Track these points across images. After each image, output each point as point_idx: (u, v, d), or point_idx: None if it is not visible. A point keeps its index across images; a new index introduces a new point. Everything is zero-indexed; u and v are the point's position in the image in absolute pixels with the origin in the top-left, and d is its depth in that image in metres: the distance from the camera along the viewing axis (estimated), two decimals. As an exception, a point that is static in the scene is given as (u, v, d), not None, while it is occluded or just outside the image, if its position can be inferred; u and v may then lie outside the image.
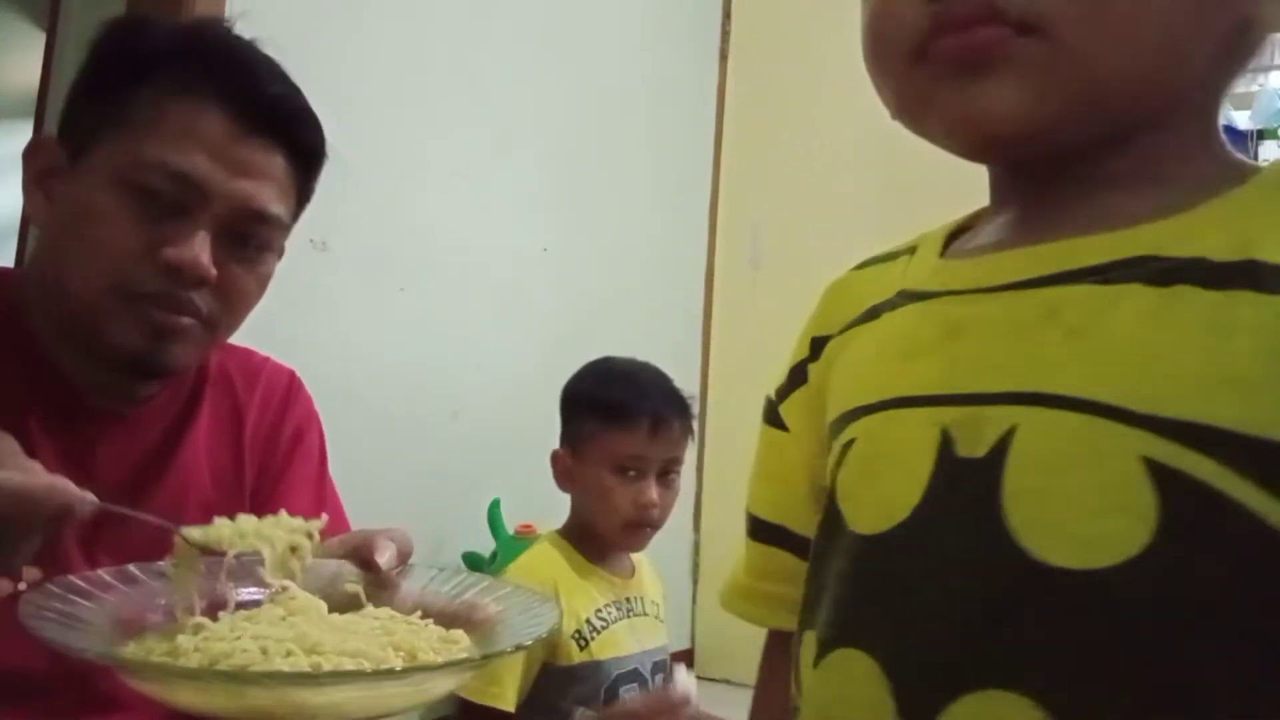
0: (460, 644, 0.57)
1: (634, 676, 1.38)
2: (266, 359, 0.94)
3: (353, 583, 0.64)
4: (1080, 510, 0.37)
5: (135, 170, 0.73)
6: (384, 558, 0.64)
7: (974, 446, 0.40)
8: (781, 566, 0.55)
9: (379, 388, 1.75)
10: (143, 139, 0.73)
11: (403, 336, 1.84)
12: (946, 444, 0.41)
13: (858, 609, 0.43)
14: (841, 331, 0.52)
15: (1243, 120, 2.15)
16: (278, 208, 0.79)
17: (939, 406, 0.42)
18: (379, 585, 0.64)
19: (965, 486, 0.39)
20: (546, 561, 1.39)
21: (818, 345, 0.54)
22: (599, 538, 1.41)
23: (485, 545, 1.89)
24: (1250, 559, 0.34)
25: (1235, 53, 0.44)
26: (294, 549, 0.62)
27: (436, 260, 1.91)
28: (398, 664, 0.53)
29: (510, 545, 1.84)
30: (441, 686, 0.53)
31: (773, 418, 0.58)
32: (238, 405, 0.88)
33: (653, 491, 1.37)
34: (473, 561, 1.90)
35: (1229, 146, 0.45)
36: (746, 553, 0.59)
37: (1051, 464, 0.38)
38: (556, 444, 1.50)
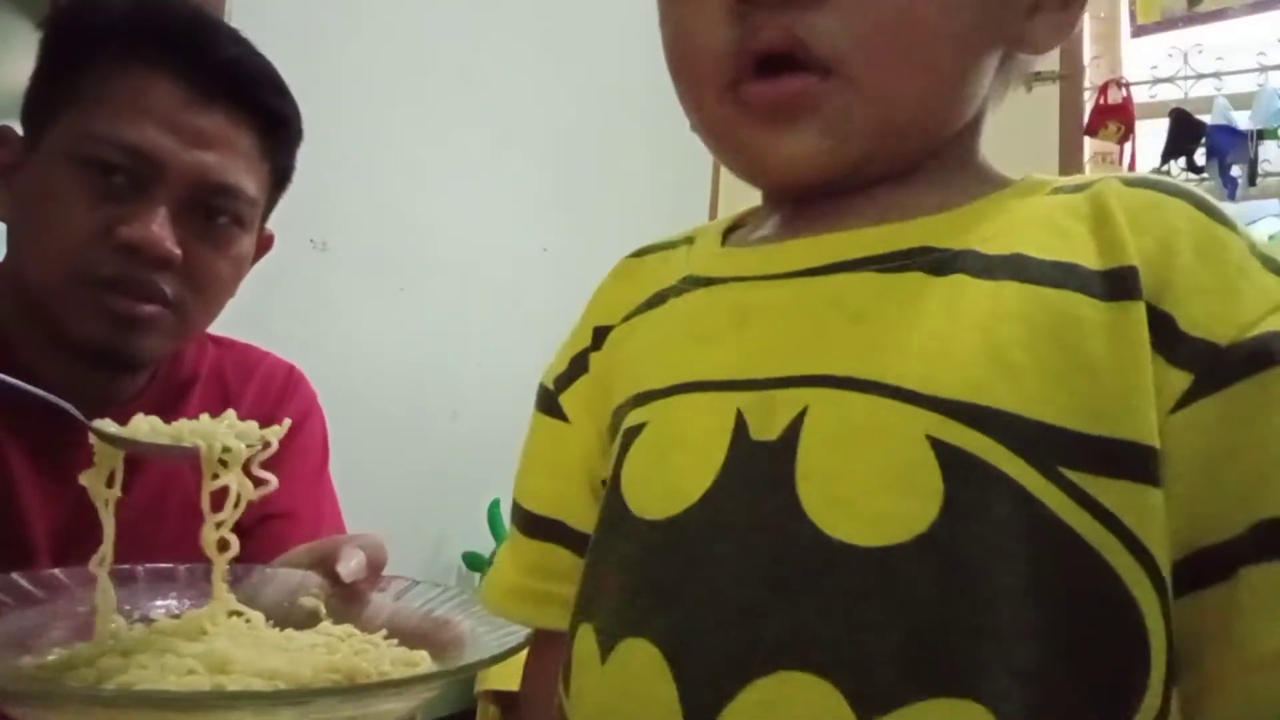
0: (420, 666, 0.51)
1: None
2: (267, 355, 0.91)
3: (313, 596, 0.58)
4: (870, 489, 0.37)
5: (86, 146, 0.68)
6: (347, 568, 0.59)
7: (768, 429, 0.40)
8: (557, 563, 0.52)
9: (379, 387, 1.75)
10: (93, 114, 0.69)
11: (403, 336, 1.84)
12: (741, 427, 0.41)
13: (644, 596, 0.41)
14: (625, 319, 0.51)
15: (1243, 120, 2.15)
16: (244, 179, 0.74)
17: (732, 391, 0.42)
18: (346, 598, 0.59)
19: (760, 467, 0.39)
20: None
21: (600, 334, 0.53)
22: None
23: (485, 545, 1.89)
24: (1020, 533, 0.35)
25: (1006, 72, 0.47)
26: (226, 451, 0.55)
27: (436, 260, 1.91)
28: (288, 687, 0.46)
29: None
30: (354, 712, 0.45)
31: (550, 407, 0.56)
32: (228, 401, 0.83)
33: None
34: (473, 561, 1.89)
35: (987, 161, 0.49)
36: (514, 550, 0.56)
37: (842, 444, 0.38)
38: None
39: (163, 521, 0.77)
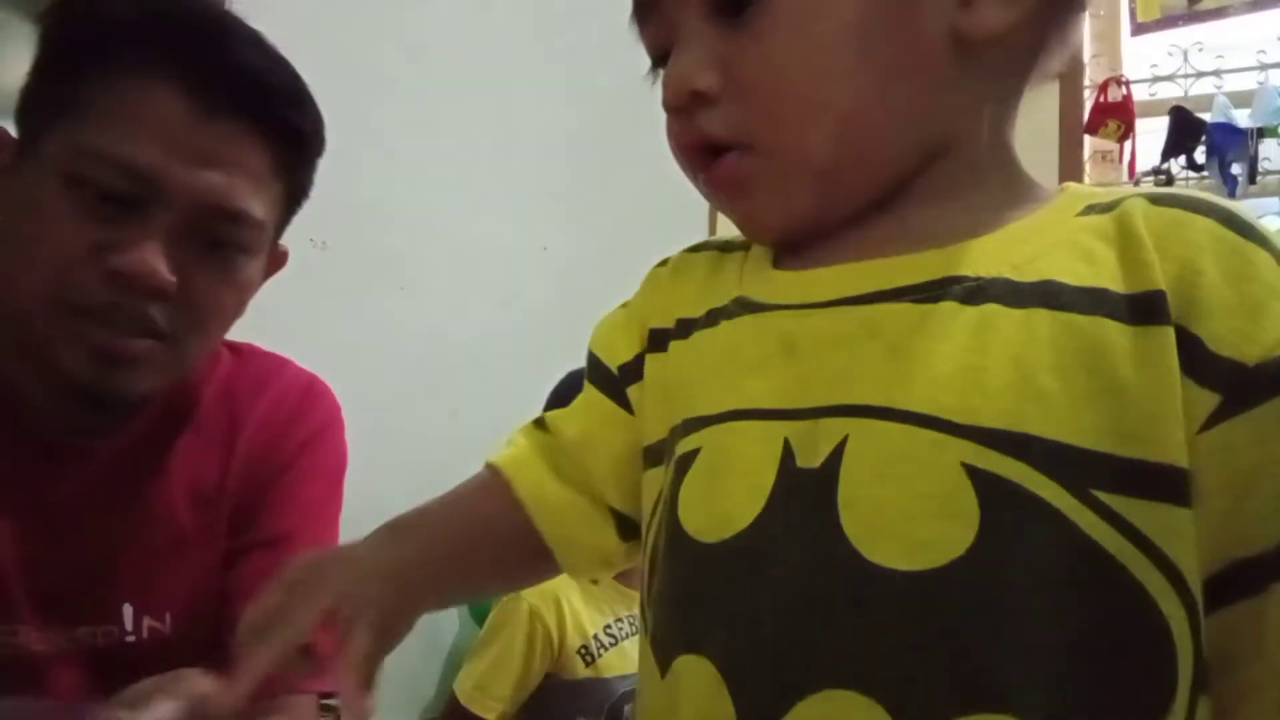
0: None
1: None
2: (288, 365, 0.85)
3: None
4: (909, 515, 0.39)
5: (79, 162, 0.62)
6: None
7: (811, 457, 0.42)
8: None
9: (378, 387, 1.75)
10: (90, 126, 0.62)
11: (402, 336, 1.84)
12: (788, 455, 0.43)
13: (698, 616, 0.44)
14: (683, 331, 0.54)
15: (1243, 118, 2.15)
16: (252, 204, 0.67)
17: (780, 420, 0.44)
18: None
19: (804, 494, 0.42)
20: None
21: (657, 338, 0.56)
22: None
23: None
24: (1053, 555, 0.37)
25: (989, 67, 0.45)
26: None
27: (436, 260, 1.91)
28: None
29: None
30: None
31: (614, 391, 0.59)
32: (235, 418, 0.78)
33: None
34: (473, 561, 1.89)
35: (1019, 165, 0.48)
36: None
37: (881, 472, 0.40)
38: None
39: (144, 554, 0.73)
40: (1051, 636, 0.36)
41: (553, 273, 2.22)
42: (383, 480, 1.81)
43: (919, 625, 0.37)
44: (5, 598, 0.67)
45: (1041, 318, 0.40)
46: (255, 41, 0.68)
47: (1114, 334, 0.39)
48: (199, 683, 0.48)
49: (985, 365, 0.40)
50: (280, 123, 0.68)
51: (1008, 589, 0.37)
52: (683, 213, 2.75)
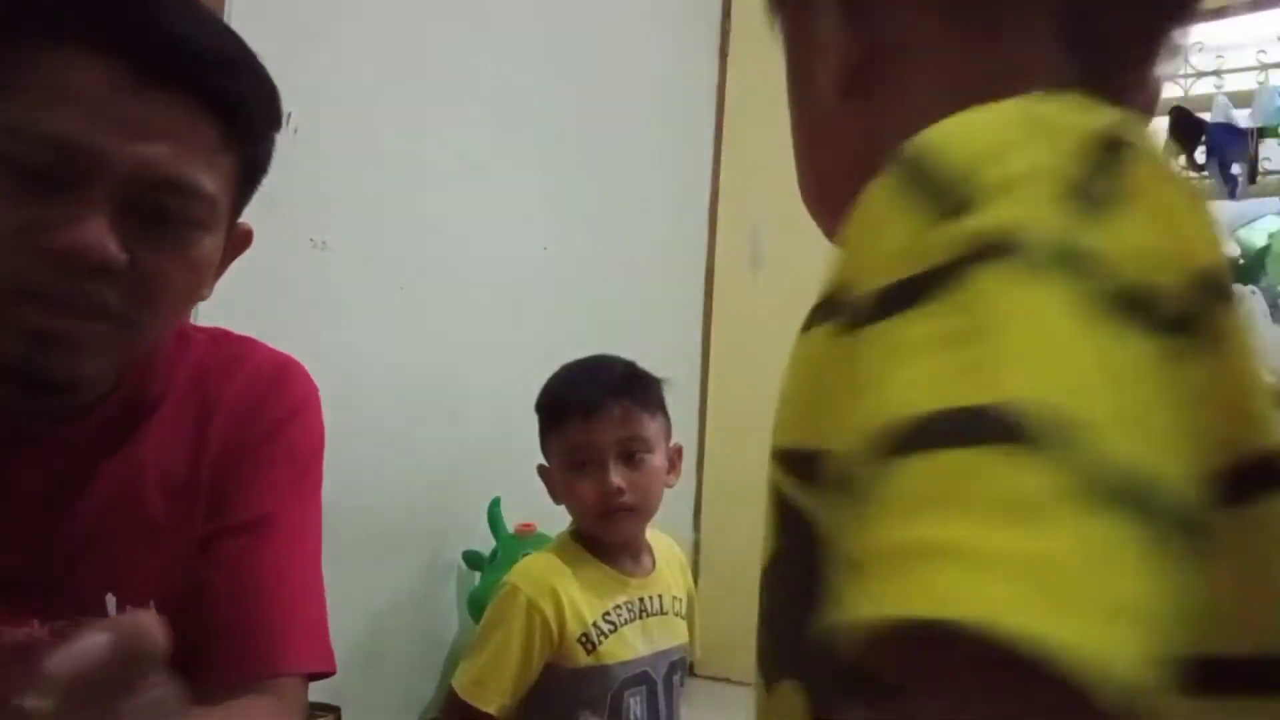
0: None
1: (642, 680, 1.38)
2: (261, 348, 0.83)
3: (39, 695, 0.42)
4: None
5: (3, 140, 0.59)
6: (53, 660, 0.41)
7: None
8: None
9: (378, 387, 1.75)
10: (10, 104, 0.59)
11: (402, 336, 1.84)
12: None
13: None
14: None
15: (1243, 118, 2.15)
16: (199, 176, 0.63)
17: None
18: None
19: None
20: (545, 565, 1.38)
21: None
22: (594, 536, 1.41)
23: (485, 544, 1.89)
24: (809, 550, 0.37)
25: (867, 94, 0.49)
26: None
27: (436, 259, 1.91)
28: None
29: (511, 544, 1.84)
30: None
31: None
32: (208, 401, 0.76)
33: (614, 477, 1.35)
34: (473, 560, 1.89)
35: None
36: None
37: None
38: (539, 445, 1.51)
39: (113, 544, 0.72)
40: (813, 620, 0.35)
41: (552, 273, 2.23)
42: (382, 480, 1.81)
43: (765, 617, 0.45)
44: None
45: (801, 338, 0.42)
46: (186, 7, 0.64)
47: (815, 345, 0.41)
48: (139, 618, 0.45)
49: (783, 389, 0.44)
50: (219, 92, 0.64)
51: (788, 581, 0.42)
52: (683, 213, 2.76)
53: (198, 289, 0.69)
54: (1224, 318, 0.31)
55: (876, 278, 0.32)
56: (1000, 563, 0.24)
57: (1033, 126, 0.33)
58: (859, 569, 0.27)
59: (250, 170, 0.71)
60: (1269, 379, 0.33)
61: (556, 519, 1.83)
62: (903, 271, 0.30)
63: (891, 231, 0.33)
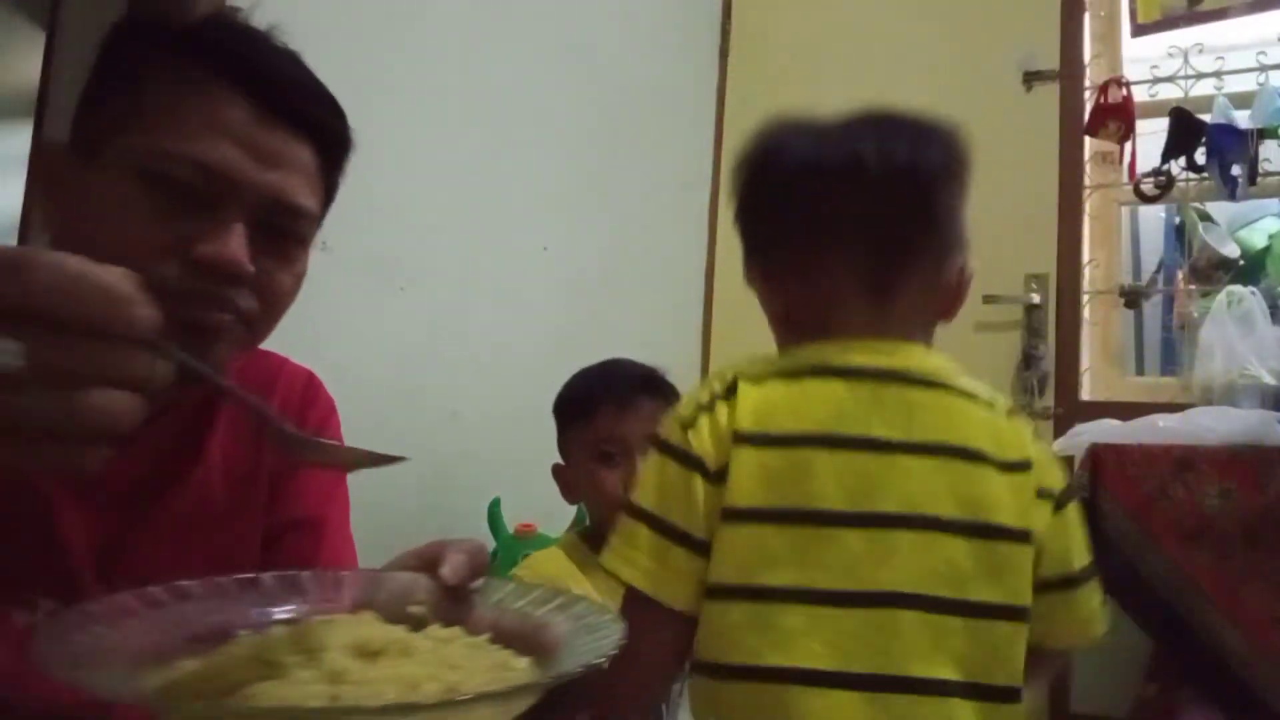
0: (515, 670, 0.52)
1: None
2: (285, 360, 0.91)
3: (419, 603, 0.58)
4: None
5: (157, 162, 0.68)
6: (447, 569, 0.60)
7: None
8: None
9: (379, 387, 1.75)
10: (162, 131, 0.69)
11: (403, 336, 1.84)
12: None
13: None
14: None
15: (1243, 120, 2.15)
16: (308, 199, 0.75)
17: None
18: (453, 601, 0.60)
19: None
20: (550, 561, 1.38)
21: None
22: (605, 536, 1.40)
23: (486, 544, 1.88)
24: None
25: None
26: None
27: (437, 259, 1.91)
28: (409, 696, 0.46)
29: (510, 544, 1.84)
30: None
31: None
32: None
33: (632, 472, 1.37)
34: (473, 561, 1.89)
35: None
36: None
37: None
38: (557, 444, 1.50)
39: (190, 529, 0.78)
40: None
41: (553, 272, 2.23)
42: (384, 481, 1.80)
43: None
44: (78, 581, 0.71)
45: None
46: (297, 58, 0.76)
47: None
48: (464, 544, 0.63)
49: None
50: (324, 128, 0.77)
51: None
52: (683, 213, 2.76)
53: (294, 297, 0.79)
54: (738, 459, 0.82)
55: None
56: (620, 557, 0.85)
57: (711, 383, 0.89)
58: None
59: (332, 194, 0.82)
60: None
61: (556, 520, 1.83)
62: None
63: None
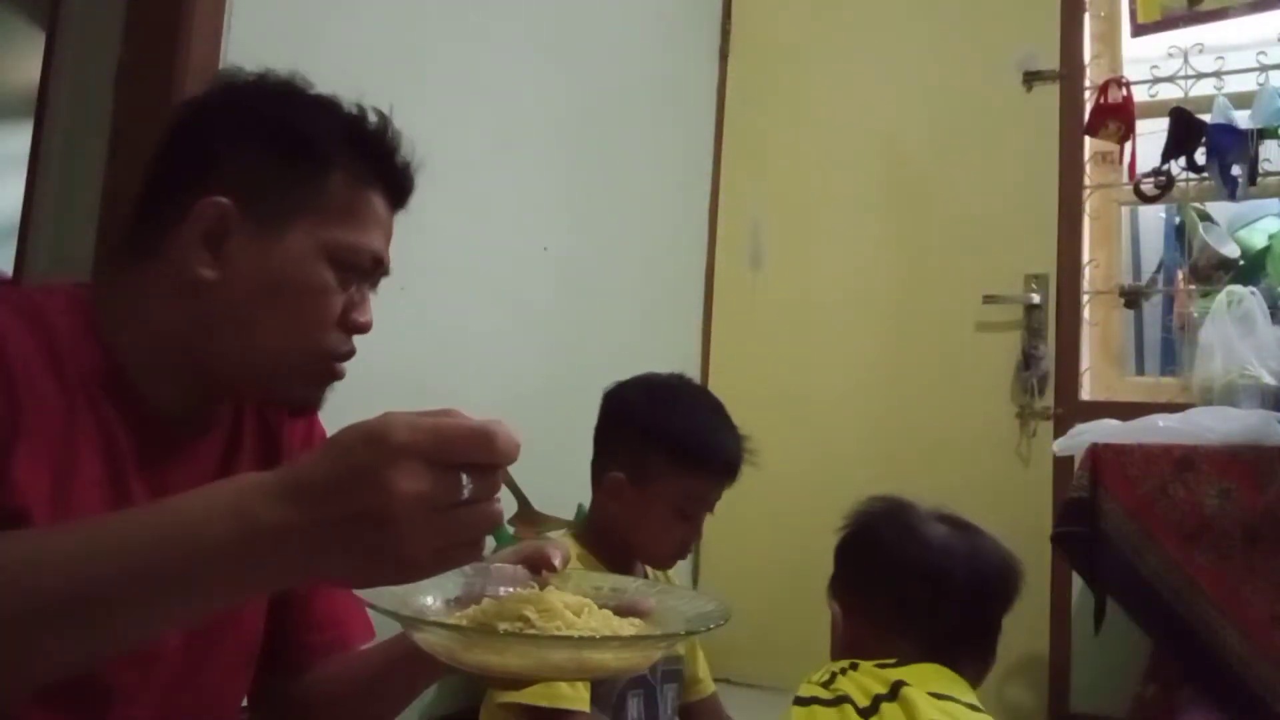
0: (640, 629, 0.69)
1: (640, 683, 1.38)
2: None
3: (525, 587, 0.73)
4: None
5: (351, 254, 0.85)
6: (556, 560, 0.74)
7: None
8: None
9: (379, 387, 1.74)
10: (350, 226, 0.85)
11: (403, 336, 1.84)
12: None
13: None
14: None
15: (1243, 120, 2.15)
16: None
17: None
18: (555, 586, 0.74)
19: None
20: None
21: None
22: (628, 554, 1.39)
23: (485, 544, 1.88)
24: None
25: None
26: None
27: (437, 259, 1.91)
28: (656, 632, 0.68)
29: (510, 544, 1.83)
30: (654, 655, 0.71)
31: None
32: (270, 427, 0.94)
33: (700, 529, 1.38)
34: (473, 561, 1.89)
35: None
36: None
37: None
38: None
39: None
40: None
41: (553, 272, 2.23)
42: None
43: None
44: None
45: None
46: (410, 152, 0.90)
47: None
48: (552, 541, 0.76)
49: None
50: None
51: None
52: (683, 213, 2.76)
53: None
54: None
55: None
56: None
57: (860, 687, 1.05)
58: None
59: None
60: None
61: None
62: None
63: None
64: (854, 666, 1.07)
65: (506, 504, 0.67)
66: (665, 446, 1.35)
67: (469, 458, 0.53)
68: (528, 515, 0.76)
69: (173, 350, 0.82)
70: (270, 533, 0.51)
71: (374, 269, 0.88)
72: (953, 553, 1.16)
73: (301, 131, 0.84)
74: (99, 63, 1.50)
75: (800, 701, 1.04)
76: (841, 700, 1.01)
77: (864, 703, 1.01)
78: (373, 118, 0.89)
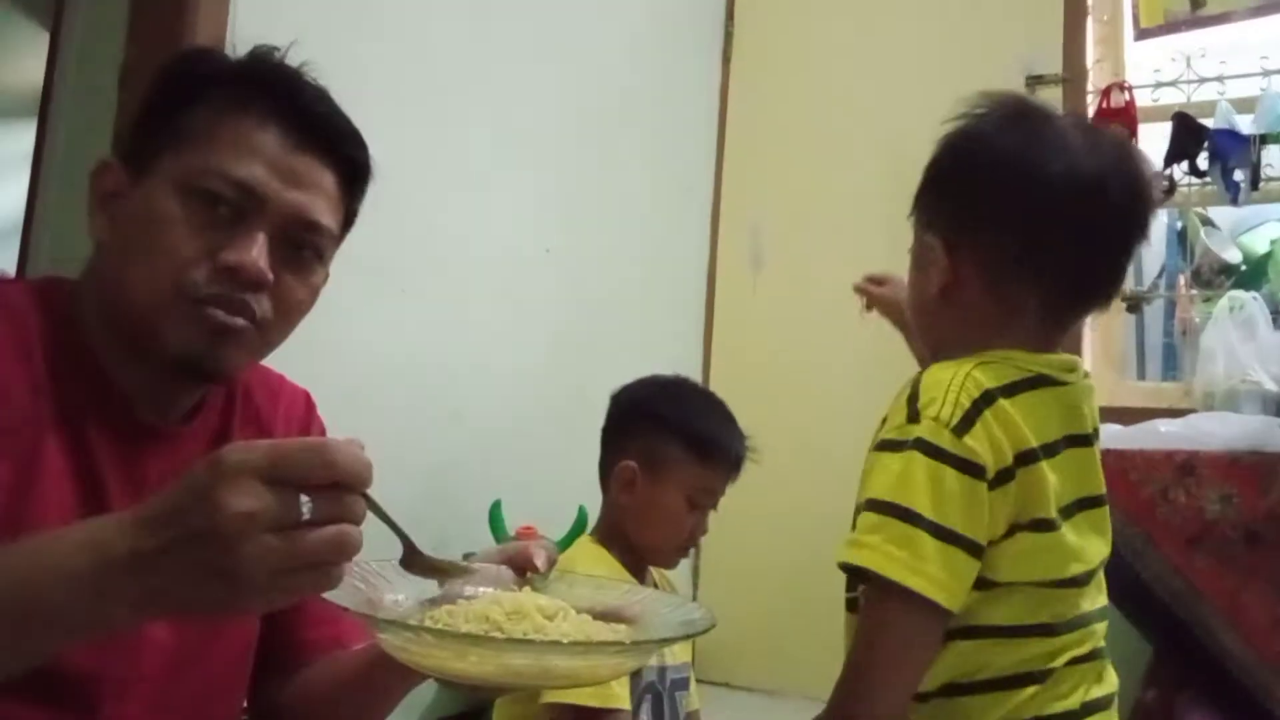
0: (624, 635, 0.68)
1: (649, 690, 1.38)
2: (282, 377, 0.97)
3: (510, 588, 0.72)
4: None
5: (198, 178, 0.77)
6: (542, 560, 0.74)
7: None
8: None
9: (380, 388, 1.75)
10: (204, 150, 0.78)
11: (404, 337, 1.84)
12: None
13: None
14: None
15: (1246, 124, 2.15)
16: (328, 219, 0.83)
17: None
18: (536, 588, 0.73)
19: None
20: (596, 560, 1.38)
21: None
22: (640, 552, 1.41)
23: (486, 545, 1.88)
24: None
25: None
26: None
27: (438, 261, 1.91)
28: (625, 639, 0.66)
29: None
30: (626, 663, 0.70)
31: None
32: (262, 420, 0.92)
33: (708, 522, 1.42)
34: (473, 562, 1.89)
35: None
36: None
37: None
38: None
39: None
40: None
41: (555, 274, 2.23)
42: (385, 482, 1.80)
43: None
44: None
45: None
46: (326, 96, 0.85)
47: None
48: (542, 542, 0.77)
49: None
50: (348, 159, 0.85)
51: None
52: (685, 214, 2.76)
53: (308, 309, 0.86)
54: (1028, 473, 0.88)
55: (886, 432, 0.92)
56: (884, 551, 0.86)
57: (947, 389, 0.89)
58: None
59: (350, 219, 0.91)
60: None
61: (556, 522, 1.83)
62: (891, 435, 0.91)
63: (897, 411, 0.92)
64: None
65: (394, 546, 0.66)
66: (680, 436, 1.40)
67: (306, 476, 0.52)
68: (415, 560, 0.66)
69: (114, 325, 0.80)
70: (121, 562, 0.52)
71: (242, 198, 0.77)
72: (1102, 152, 0.92)
73: (177, 77, 0.82)
74: (103, 63, 1.50)
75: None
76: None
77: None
78: (264, 55, 0.84)
